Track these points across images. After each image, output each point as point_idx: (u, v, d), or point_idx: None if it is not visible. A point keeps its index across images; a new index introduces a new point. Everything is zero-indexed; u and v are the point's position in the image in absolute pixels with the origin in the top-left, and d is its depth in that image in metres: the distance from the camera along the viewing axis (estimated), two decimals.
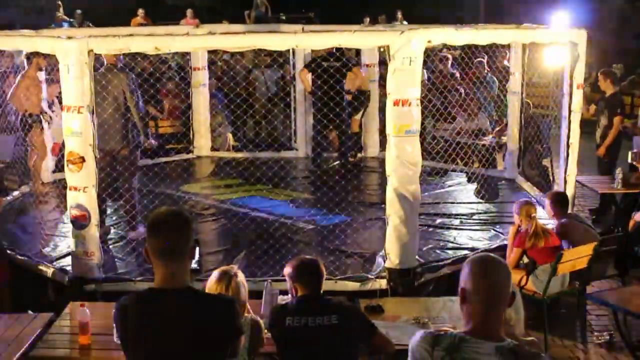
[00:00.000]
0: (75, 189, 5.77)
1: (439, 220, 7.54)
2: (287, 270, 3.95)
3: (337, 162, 9.71)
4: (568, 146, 7.22)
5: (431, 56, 10.70)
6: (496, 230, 7.22)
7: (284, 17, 18.50)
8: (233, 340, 2.85)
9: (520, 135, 9.05)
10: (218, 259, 6.36)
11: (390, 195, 5.83)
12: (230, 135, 11.05)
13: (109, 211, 7.39)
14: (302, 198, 8.51)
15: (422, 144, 5.93)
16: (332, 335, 3.69)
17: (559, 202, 6.28)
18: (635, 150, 8.14)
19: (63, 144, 5.98)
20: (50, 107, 8.76)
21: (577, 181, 7.64)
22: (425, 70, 9.42)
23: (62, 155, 6.01)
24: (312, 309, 3.77)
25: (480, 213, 7.84)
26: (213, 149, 10.76)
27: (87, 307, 4.39)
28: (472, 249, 6.60)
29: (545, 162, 8.87)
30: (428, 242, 6.74)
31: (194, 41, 6.80)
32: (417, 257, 6.04)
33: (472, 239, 7.03)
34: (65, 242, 6.64)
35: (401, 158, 5.72)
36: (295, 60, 10.41)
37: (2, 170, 8.58)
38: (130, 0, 19.31)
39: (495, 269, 2.52)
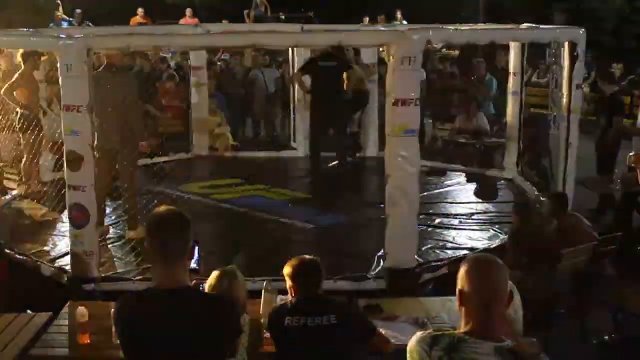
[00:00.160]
0: (74, 188, 5.76)
1: (438, 220, 7.54)
2: (287, 269, 3.95)
3: (336, 162, 9.70)
4: (567, 146, 7.23)
5: (430, 56, 10.72)
6: (495, 230, 7.22)
7: (283, 17, 18.50)
8: (232, 340, 2.85)
9: (520, 134, 9.06)
10: (217, 259, 6.35)
11: (389, 195, 5.83)
12: (229, 135, 11.04)
13: (107, 210, 7.38)
14: (301, 198, 8.51)
15: (421, 143, 5.93)
16: (331, 335, 3.69)
17: (558, 202, 6.28)
18: (632, 154, 8.14)
19: (62, 143, 5.98)
20: (49, 106, 8.78)
21: (576, 181, 7.65)
22: (424, 70, 9.41)
23: (62, 154, 6.00)
24: (311, 308, 3.76)
25: (479, 213, 7.84)
26: (212, 148, 10.76)
27: (85, 307, 4.39)
28: (471, 249, 6.61)
29: (545, 162, 8.88)
30: (427, 242, 6.74)
31: (194, 40, 6.80)
32: (416, 256, 6.04)
33: (471, 238, 7.03)
34: (64, 242, 6.64)
35: (400, 158, 5.72)
36: (294, 60, 10.40)
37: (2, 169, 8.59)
38: None
39: (492, 269, 2.52)
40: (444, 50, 13.07)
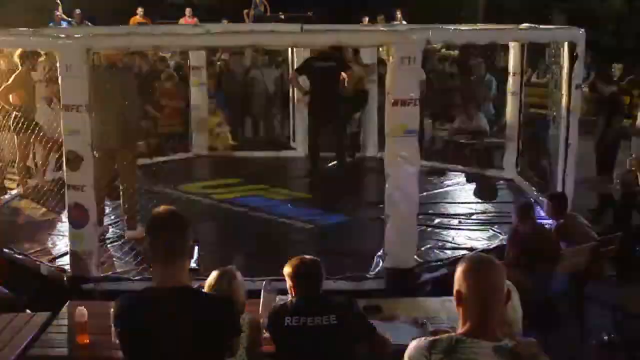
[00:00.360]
0: (74, 188, 5.76)
1: (437, 220, 7.53)
2: (287, 269, 3.95)
3: (335, 162, 9.70)
4: (567, 146, 7.23)
5: (430, 56, 10.72)
6: (495, 230, 7.22)
7: (282, 16, 18.49)
8: (231, 339, 2.85)
9: (519, 135, 9.06)
10: (217, 259, 6.35)
11: (388, 195, 5.83)
12: (229, 135, 11.04)
13: (107, 210, 7.38)
14: (301, 198, 8.51)
15: (420, 143, 5.93)
16: (331, 335, 3.69)
17: (558, 202, 6.28)
18: (633, 157, 8.15)
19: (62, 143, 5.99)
20: (49, 105, 8.78)
21: (575, 181, 7.65)
22: (424, 70, 9.41)
23: (61, 154, 6.00)
24: (311, 308, 3.76)
25: (478, 213, 7.84)
26: (212, 148, 10.76)
27: (85, 307, 4.39)
28: (471, 249, 6.61)
29: (544, 162, 8.88)
30: (426, 242, 6.74)
31: (194, 40, 6.80)
32: (415, 257, 6.04)
33: (471, 239, 7.03)
34: (63, 241, 6.64)
35: (400, 158, 5.72)
36: (294, 60, 10.40)
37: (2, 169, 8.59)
38: None
39: (489, 268, 2.52)
40: (444, 50, 13.06)
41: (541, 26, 8.08)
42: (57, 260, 6.33)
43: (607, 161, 8.73)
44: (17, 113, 7.94)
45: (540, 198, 7.73)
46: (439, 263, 6.25)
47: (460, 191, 8.81)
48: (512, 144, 9.14)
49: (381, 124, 7.06)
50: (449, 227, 7.36)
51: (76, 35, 6.07)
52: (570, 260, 5.65)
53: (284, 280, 3.98)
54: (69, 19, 18.23)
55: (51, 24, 16.90)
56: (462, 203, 8.26)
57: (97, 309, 4.53)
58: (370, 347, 3.98)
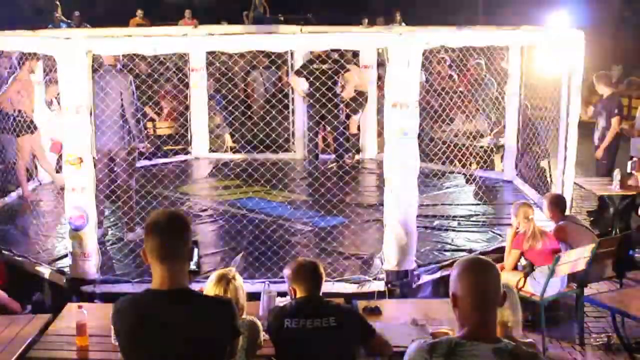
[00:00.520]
0: (73, 189, 5.76)
1: (436, 222, 7.54)
2: (287, 271, 3.95)
3: (335, 163, 9.71)
4: (566, 148, 7.23)
5: (429, 58, 10.70)
6: (494, 232, 7.22)
7: (282, 18, 18.50)
8: (230, 341, 2.85)
9: (518, 136, 9.06)
10: (216, 261, 6.36)
11: (388, 197, 5.83)
12: (228, 137, 11.04)
13: (106, 212, 7.38)
14: (300, 199, 8.51)
15: (420, 145, 5.93)
16: (331, 337, 3.69)
17: (557, 204, 6.28)
18: (634, 159, 8.14)
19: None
20: (49, 106, 8.79)
21: (575, 183, 7.65)
22: (423, 72, 9.42)
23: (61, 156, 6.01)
24: (310, 311, 3.76)
25: (478, 215, 7.84)
26: (211, 150, 10.76)
27: (84, 309, 4.39)
28: (470, 251, 6.61)
29: (543, 163, 8.88)
30: (426, 244, 6.74)
31: (193, 42, 6.80)
32: (415, 258, 6.04)
33: (470, 240, 7.03)
34: (62, 243, 6.64)
35: (399, 160, 5.72)
36: (293, 62, 10.41)
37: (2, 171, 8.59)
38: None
39: (484, 270, 2.52)
40: (443, 51, 13.05)
41: (540, 28, 8.09)
42: (56, 262, 6.33)
43: (607, 163, 8.73)
44: (17, 115, 7.93)
45: (539, 200, 7.72)
46: (438, 265, 6.24)
47: (459, 193, 8.81)
48: (512, 146, 9.14)
49: (381, 125, 7.07)
50: (448, 229, 7.37)
51: (76, 37, 6.06)
52: (568, 262, 5.64)
53: (284, 282, 3.99)
54: (68, 21, 18.23)
55: (50, 26, 16.89)
56: (461, 205, 8.26)
57: (97, 311, 4.55)
58: (370, 349, 3.98)
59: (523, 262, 5.89)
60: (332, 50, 9.06)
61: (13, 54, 8.03)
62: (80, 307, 4.43)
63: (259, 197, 8.52)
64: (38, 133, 8.27)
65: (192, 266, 3.01)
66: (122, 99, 6.71)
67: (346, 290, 5.73)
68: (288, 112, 11.08)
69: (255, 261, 6.24)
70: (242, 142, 11.37)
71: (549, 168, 8.59)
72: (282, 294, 4.50)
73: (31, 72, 8.20)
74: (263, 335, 3.93)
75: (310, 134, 9.87)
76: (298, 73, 9.46)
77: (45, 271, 6.18)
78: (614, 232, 7.63)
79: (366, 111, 10.34)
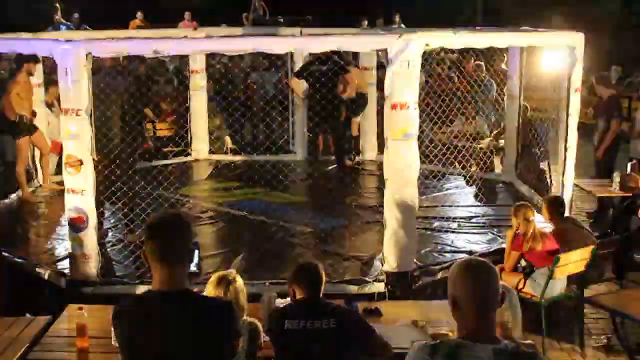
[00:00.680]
0: (73, 191, 5.76)
1: (436, 224, 7.54)
2: (287, 273, 3.95)
3: (335, 165, 9.71)
4: (565, 149, 7.23)
5: (429, 59, 10.71)
6: (494, 234, 7.23)
7: (281, 20, 18.51)
8: (231, 343, 2.85)
9: (518, 138, 9.06)
10: (217, 262, 6.36)
11: (388, 198, 5.83)
12: (228, 138, 11.05)
13: (106, 214, 7.38)
14: (300, 201, 8.51)
15: (420, 147, 5.93)
16: (331, 339, 3.69)
17: (556, 205, 6.27)
18: (634, 161, 8.15)
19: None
20: (50, 108, 8.80)
21: (574, 184, 7.66)
22: (423, 74, 9.42)
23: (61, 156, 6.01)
24: (311, 312, 3.76)
25: (478, 216, 7.84)
26: (211, 152, 10.76)
27: (85, 310, 4.39)
28: (470, 252, 6.61)
29: (543, 165, 8.88)
30: (426, 246, 6.74)
31: (193, 44, 6.81)
32: (415, 260, 6.04)
33: (470, 242, 7.03)
34: (63, 245, 6.64)
35: (399, 161, 5.73)
36: (293, 63, 10.41)
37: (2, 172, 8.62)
38: (128, 2, 19.28)
39: (482, 271, 2.52)
40: (443, 53, 13.05)
41: (540, 29, 8.09)
42: (57, 264, 6.33)
43: (606, 164, 8.73)
44: (17, 120, 7.95)
45: (539, 201, 7.72)
46: (438, 266, 6.24)
47: (459, 194, 8.82)
48: (511, 147, 9.15)
49: (380, 127, 7.07)
50: (448, 231, 7.37)
51: (75, 39, 6.06)
52: (568, 263, 5.65)
53: (284, 283, 3.99)
54: (68, 23, 18.24)
55: (50, 28, 16.90)
56: (461, 206, 8.27)
57: (97, 312, 4.54)
58: (370, 351, 3.98)
59: (523, 263, 5.90)
60: (332, 52, 9.06)
61: (12, 56, 8.06)
62: (80, 308, 4.43)
63: (259, 198, 8.52)
64: (39, 132, 8.28)
65: (193, 268, 3.02)
66: (122, 101, 6.72)
67: (346, 291, 5.73)
68: (288, 114, 11.09)
69: (255, 262, 6.25)
70: (242, 143, 11.40)
71: (549, 169, 8.59)
72: (282, 295, 4.50)
73: (30, 74, 8.20)
74: (263, 337, 3.93)
75: (310, 136, 9.88)
76: (298, 75, 9.47)
77: (45, 273, 6.18)
78: (613, 233, 7.63)
79: (366, 113, 10.34)
